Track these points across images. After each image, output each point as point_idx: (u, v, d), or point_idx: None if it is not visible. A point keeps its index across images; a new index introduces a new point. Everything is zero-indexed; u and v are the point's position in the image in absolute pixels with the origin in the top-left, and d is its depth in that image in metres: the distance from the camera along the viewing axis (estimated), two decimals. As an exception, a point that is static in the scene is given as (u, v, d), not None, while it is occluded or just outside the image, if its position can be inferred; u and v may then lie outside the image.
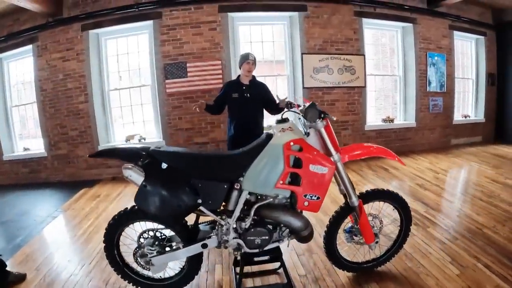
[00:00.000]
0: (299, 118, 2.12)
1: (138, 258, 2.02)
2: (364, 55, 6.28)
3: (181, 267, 2.18)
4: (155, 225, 2.03)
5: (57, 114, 5.49)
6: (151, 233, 2.03)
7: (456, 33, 7.51)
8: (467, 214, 3.44)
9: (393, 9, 6.43)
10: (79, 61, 5.32)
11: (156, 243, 2.01)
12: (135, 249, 2.03)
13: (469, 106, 8.47)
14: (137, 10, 5.18)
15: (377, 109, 7.23)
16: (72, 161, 5.59)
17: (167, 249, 2.03)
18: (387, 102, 7.39)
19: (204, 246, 1.98)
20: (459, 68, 8.03)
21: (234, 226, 1.99)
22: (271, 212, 1.97)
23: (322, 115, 1.92)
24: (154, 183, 1.85)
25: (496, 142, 7.98)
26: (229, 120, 3.53)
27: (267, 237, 1.99)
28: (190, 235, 2.04)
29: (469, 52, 8.40)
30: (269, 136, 1.97)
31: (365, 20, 6.24)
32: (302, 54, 5.71)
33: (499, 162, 5.92)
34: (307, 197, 1.91)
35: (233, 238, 1.99)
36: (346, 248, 2.45)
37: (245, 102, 3.39)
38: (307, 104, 1.95)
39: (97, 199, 4.48)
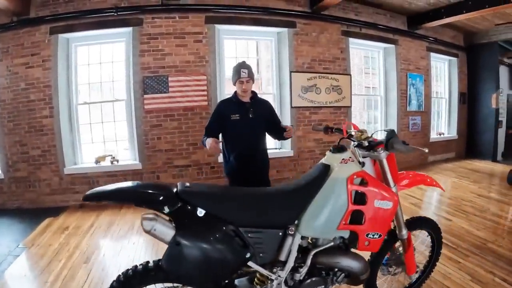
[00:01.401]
0: (355, 146, 1.89)
1: None
2: (350, 75, 6.38)
3: None
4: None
5: (17, 130, 4.82)
6: None
7: (432, 54, 7.99)
8: (468, 231, 3.67)
9: (377, 30, 6.66)
10: (45, 69, 4.75)
11: None
12: None
13: (442, 124, 9.05)
14: (115, 14, 4.74)
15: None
16: (33, 184, 4.91)
17: None
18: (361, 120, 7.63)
19: None
20: (434, 88, 8.55)
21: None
22: (331, 257, 1.74)
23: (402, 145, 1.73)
24: (191, 238, 1.44)
25: (467, 157, 8.76)
26: (226, 149, 2.94)
27: (323, 286, 1.76)
28: None
29: (442, 73, 9.00)
30: (326, 168, 1.75)
31: (351, 40, 6.37)
32: (290, 72, 5.62)
33: (477, 176, 6.58)
34: (369, 236, 1.73)
35: None
36: (380, 282, 2.36)
37: (249, 124, 2.83)
38: (358, 129, 1.82)
39: (66, 232, 3.93)
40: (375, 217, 1.72)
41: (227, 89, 5.53)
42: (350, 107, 6.46)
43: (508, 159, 8.65)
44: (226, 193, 1.67)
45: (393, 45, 7.04)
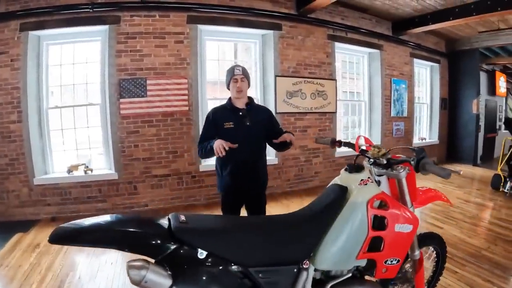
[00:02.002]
0: (371, 164, 1.75)
1: None
2: (336, 80, 6.36)
3: None
4: None
5: (-19, 136, 4.45)
6: None
7: (415, 60, 8.12)
8: (461, 239, 3.73)
9: (363, 35, 6.68)
10: (14, 69, 4.38)
11: None
12: None
13: (424, 129, 9.25)
14: (91, 11, 4.44)
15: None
16: (0, 196, 4.54)
17: None
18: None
19: None
20: (416, 94, 8.67)
21: None
22: None
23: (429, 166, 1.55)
24: None
25: (448, 161, 9.08)
26: (219, 162, 2.64)
27: None
28: None
29: (424, 79, 9.18)
30: (344, 190, 1.60)
31: (337, 44, 6.34)
32: (275, 76, 5.51)
33: (460, 181, 6.70)
34: (387, 262, 1.60)
35: None
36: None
37: (245, 133, 2.53)
38: (373, 145, 1.69)
39: (37, 250, 3.62)
40: (395, 242, 1.59)
41: (208, 94, 5.37)
42: (335, 113, 6.43)
43: (486, 163, 9.00)
44: (231, 228, 1.43)
45: (378, 50, 7.09)
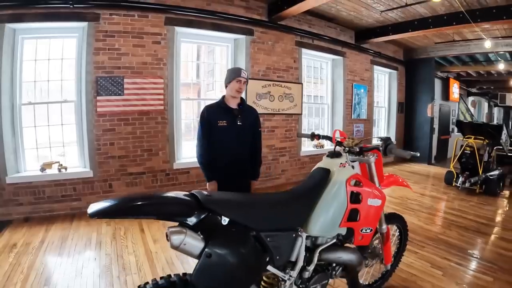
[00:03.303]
0: (346, 152, 2.20)
1: None
2: (302, 84, 7.05)
3: None
4: None
5: (-48, 133, 4.40)
6: None
7: (375, 67, 9.08)
8: (419, 226, 4.54)
9: (328, 42, 7.44)
10: None
11: None
12: None
13: (382, 131, 10.28)
14: (71, 6, 4.54)
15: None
16: None
17: None
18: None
19: None
20: (375, 98, 9.68)
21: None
22: (332, 253, 2.02)
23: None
24: (220, 249, 1.47)
25: (405, 161, 10.27)
26: (212, 157, 2.93)
27: (326, 281, 2.04)
28: None
29: (383, 84, 10.22)
30: (327, 172, 2.03)
31: (303, 51, 7.03)
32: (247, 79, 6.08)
33: (417, 178, 7.99)
34: (362, 231, 2.05)
35: None
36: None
37: (237, 131, 2.85)
38: (351, 138, 2.19)
39: (15, 251, 3.64)
40: (368, 214, 2.05)
41: (181, 94, 5.76)
42: (301, 114, 7.13)
43: (440, 162, 10.39)
44: (246, 200, 1.77)
45: (341, 57, 7.89)
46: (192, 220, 1.45)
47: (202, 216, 1.46)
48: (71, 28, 4.90)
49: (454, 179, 6.72)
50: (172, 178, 5.49)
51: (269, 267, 1.71)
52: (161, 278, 1.47)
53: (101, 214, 1.32)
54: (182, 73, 5.82)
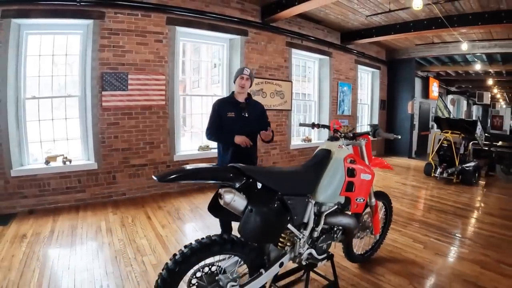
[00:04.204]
0: (341, 137, 2.74)
1: None
2: (291, 82, 7.63)
3: None
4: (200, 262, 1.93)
5: (-45, 127, 4.53)
6: (206, 269, 1.97)
7: (359, 66, 9.79)
8: (401, 209, 5.24)
9: (315, 43, 8.07)
10: None
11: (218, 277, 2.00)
12: None
13: (365, 126, 10.99)
14: (78, 4, 4.82)
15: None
16: None
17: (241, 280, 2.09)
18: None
19: (281, 264, 2.26)
20: (359, 96, 10.41)
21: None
22: (335, 218, 2.51)
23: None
24: (258, 206, 1.97)
25: (387, 154, 11.28)
26: (222, 145, 3.43)
27: (330, 241, 2.56)
28: (257, 260, 2.17)
29: (366, 82, 10.98)
30: (328, 152, 2.54)
31: (293, 50, 7.61)
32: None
33: (398, 169, 8.85)
34: (357, 200, 2.56)
35: (307, 249, 2.41)
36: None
37: (244, 122, 3.30)
38: (345, 124, 2.74)
39: (25, 241, 3.79)
40: (361, 186, 2.55)
41: (180, 91, 6.22)
42: (290, 110, 7.71)
43: (420, 156, 11.30)
44: (273, 171, 2.33)
45: (327, 57, 8.54)
46: (236, 184, 1.95)
47: (244, 182, 1.97)
48: (75, 25, 5.17)
49: (433, 170, 7.52)
50: (173, 170, 5.92)
51: (289, 226, 2.22)
52: (202, 238, 1.91)
53: (172, 179, 1.79)
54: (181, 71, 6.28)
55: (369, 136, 2.86)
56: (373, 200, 3.04)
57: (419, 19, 7.29)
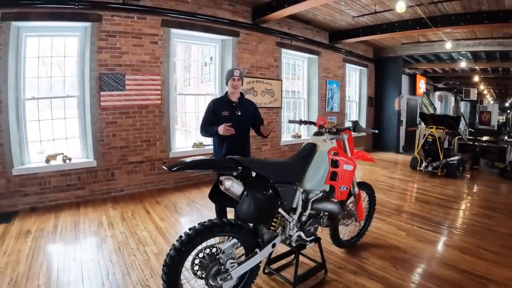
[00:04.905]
0: (327, 132, 3.08)
1: (211, 278, 2.27)
2: (281, 80, 8.02)
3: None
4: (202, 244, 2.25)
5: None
6: (208, 251, 2.28)
7: (347, 65, 10.23)
8: (387, 201, 5.64)
9: (305, 43, 8.48)
10: None
11: (222, 257, 2.32)
12: (208, 267, 2.26)
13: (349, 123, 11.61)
14: (76, 7, 5.05)
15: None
16: None
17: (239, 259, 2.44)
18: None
19: (274, 245, 2.60)
20: (347, 93, 10.89)
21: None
22: (321, 203, 2.84)
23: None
24: (253, 191, 2.32)
25: (375, 150, 11.84)
26: (217, 140, 3.73)
27: (317, 225, 2.89)
28: (253, 242, 2.49)
29: (354, 80, 11.44)
30: (314, 145, 2.86)
31: (283, 50, 8.01)
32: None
33: (385, 164, 9.44)
34: (341, 188, 2.89)
35: (296, 232, 2.73)
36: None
37: (237, 120, 3.60)
38: (331, 120, 3.04)
39: (30, 236, 3.98)
40: (344, 176, 2.87)
41: (175, 91, 6.55)
42: (281, 107, 8.10)
43: (408, 151, 11.76)
44: (266, 162, 2.73)
45: (316, 56, 8.97)
46: (234, 173, 2.31)
47: (240, 170, 2.32)
48: (73, 27, 5.41)
49: (418, 164, 7.99)
50: (168, 167, 6.27)
51: (280, 210, 2.57)
52: (204, 222, 2.25)
53: (181, 168, 2.16)
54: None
55: (350, 131, 3.22)
56: (356, 189, 3.38)
57: (404, 19, 7.72)
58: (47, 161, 5.28)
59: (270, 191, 2.47)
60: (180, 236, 2.16)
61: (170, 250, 2.13)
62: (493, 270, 3.33)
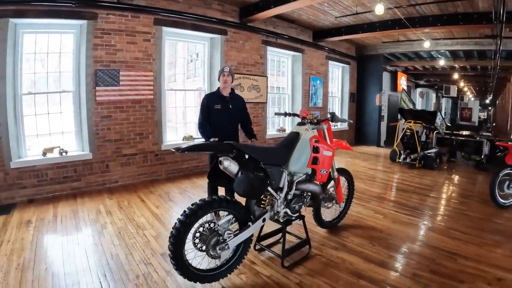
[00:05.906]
0: (308, 122, 3.49)
1: (211, 249, 2.68)
2: (267, 77, 8.54)
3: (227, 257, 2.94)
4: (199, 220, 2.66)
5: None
6: (207, 225, 2.69)
7: (330, 62, 10.83)
8: (366, 189, 6.23)
9: (289, 41, 9.01)
10: None
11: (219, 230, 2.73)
12: (208, 238, 2.68)
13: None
14: (73, 5, 5.33)
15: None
16: None
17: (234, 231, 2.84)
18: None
19: (264, 220, 3.02)
20: (330, 89, 11.49)
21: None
22: (304, 184, 3.29)
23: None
24: (246, 170, 2.70)
25: (356, 144, 12.48)
26: (211, 132, 4.14)
27: (301, 203, 3.33)
28: (246, 217, 2.94)
29: (337, 77, 12.05)
30: (297, 134, 3.28)
31: (268, 48, 8.51)
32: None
33: (366, 156, 10.22)
34: (321, 171, 3.36)
35: (283, 208, 3.15)
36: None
37: (228, 113, 4.10)
38: (315, 112, 3.60)
39: (31, 225, 4.20)
40: (324, 160, 3.36)
41: (166, 86, 6.97)
42: (266, 103, 8.63)
43: (389, 145, 12.25)
44: (257, 147, 3.02)
45: (300, 53, 9.51)
46: (230, 155, 2.74)
47: (235, 152, 2.76)
48: (69, 24, 5.68)
49: (398, 157, 8.63)
50: (160, 158, 6.64)
51: (269, 188, 2.99)
52: (204, 198, 2.70)
53: (188, 149, 2.68)
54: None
55: (329, 121, 3.71)
56: (336, 173, 3.89)
57: (384, 20, 8.27)
58: (44, 154, 5.52)
59: (261, 171, 2.87)
60: (184, 211, 2.56)
61: (176, 223, 2.53)
62: (462, 247, 3.79)
